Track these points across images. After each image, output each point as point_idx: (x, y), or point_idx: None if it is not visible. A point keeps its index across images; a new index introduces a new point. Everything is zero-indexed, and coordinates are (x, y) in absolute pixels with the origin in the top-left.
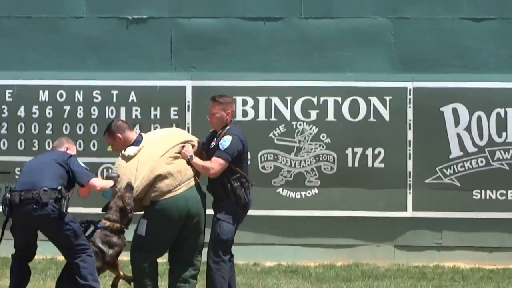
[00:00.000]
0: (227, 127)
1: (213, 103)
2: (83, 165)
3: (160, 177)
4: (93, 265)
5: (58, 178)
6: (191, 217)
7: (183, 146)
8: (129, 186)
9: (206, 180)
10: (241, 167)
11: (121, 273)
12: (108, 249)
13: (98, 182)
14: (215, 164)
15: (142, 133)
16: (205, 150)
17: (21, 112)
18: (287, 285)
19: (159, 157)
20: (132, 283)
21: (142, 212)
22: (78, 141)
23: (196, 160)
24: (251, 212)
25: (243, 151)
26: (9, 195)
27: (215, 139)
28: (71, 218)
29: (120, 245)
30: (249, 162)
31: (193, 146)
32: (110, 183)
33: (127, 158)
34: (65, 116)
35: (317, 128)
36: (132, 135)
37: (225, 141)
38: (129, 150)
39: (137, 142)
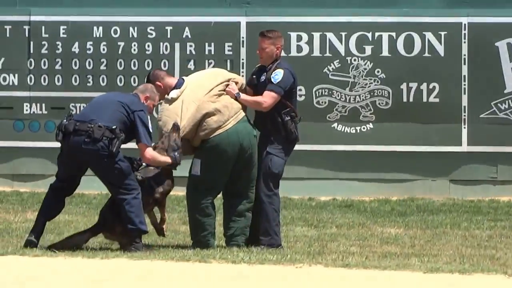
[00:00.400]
0: (277, 62)
1: (263, 38)
2: (149, 125)
3: (207, 115)
4: (139, 208)
5: (116, 121)
6: (244, 150)
7: (227, 85)
8: (176, 126)
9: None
10: (291, 101)
11: (166, 217)
12: (158, 186)
13: (151, 153)
14: (268, 97)
15: (183, 77)
16: (253, 85)
17: (76, 48)
18: (342, 220)
19: (203, 95)
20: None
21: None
22: (132, 77)
23: (244, 96)
24: (306, 147)
25: (294, 86)
26: (66, 122)
27: (264, 73)
28: (121, 157)
29: (169, 184)
30: (303, 97)
31: (236, 83)
32: (166, 159)
33: (171, 101)
34: (120, 52)
35: (372, 63)
36: (172, 80)
37: (277, 75)
38: (172, 93)
39: (179, 85)
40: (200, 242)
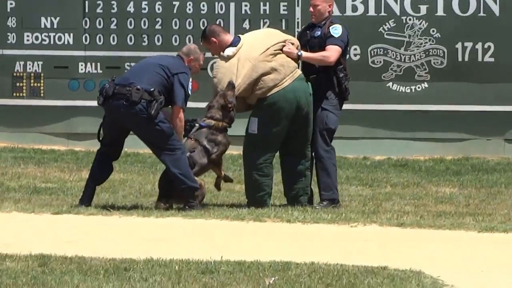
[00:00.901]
0: (329, 19)
1: None
2: (189, 89)
3: (263, 74)
4: (186, 165)
5: (155, 83)
6: (300, 108)
7: (283, 45)
8: (231, 85)
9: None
10: (344, 59)
11: (223, 174)
12: (213, 147)
13: (182, 117)
14: (333, 51)
15: (239, 35)
16: (305, 41)
17: (131, 7)
18: (397, 179)
19: (259, 54)
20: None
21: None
22: (187, 36)
23: (307, 54)
24: (361, 106)
25: (348, 43)
26: (107, 86)
27: (318, 28)
28: (161, 119)
29: (224, 143)
30: (358, 56)
31: (292, 44)
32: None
33: (226, 59)
34: (175, 11)
35: (427, 23)
36: (228, 37)
37: (337, 29)
38: (228, 51)
39: (234, 43)
40: (257, 202)
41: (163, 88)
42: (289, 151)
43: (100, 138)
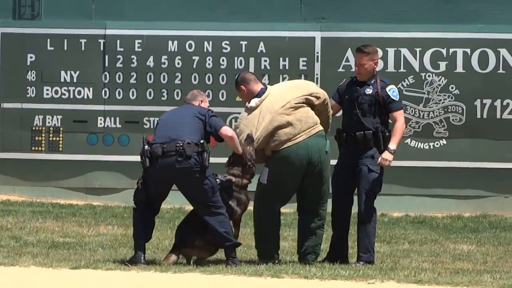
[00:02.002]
0: (377, 77)
1: (361, 54)
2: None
3: (279, 127)
4: (229, 224)
5: (198, 132)
6: (312, 165)
7: (307, 98)
8: (250, 139)
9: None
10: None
11: (238, 233)
12: (237, 205)
13: (231, 131)
14: (401, 116)
15: (269, 85)
16: (352, 97)
17: (150, 62)
18: (415, 236)
19: (280, 107)
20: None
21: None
22: (207, 91)
23: (395, 141)
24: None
25: None
26: (149, 147)
27: (368, 86)
28: (210, 173)
29: (245, 202)
30: None
31: (317, 98)
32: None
33: (250, 110)
34: (194, 66)
35: (446, 80)
36: (257, 87)
37: (395, 91)
38: (252, 102)
39: (261, 93)
40: (264, 254)
41: (203, 134)
42: (303, 207)
43: (135, 200)
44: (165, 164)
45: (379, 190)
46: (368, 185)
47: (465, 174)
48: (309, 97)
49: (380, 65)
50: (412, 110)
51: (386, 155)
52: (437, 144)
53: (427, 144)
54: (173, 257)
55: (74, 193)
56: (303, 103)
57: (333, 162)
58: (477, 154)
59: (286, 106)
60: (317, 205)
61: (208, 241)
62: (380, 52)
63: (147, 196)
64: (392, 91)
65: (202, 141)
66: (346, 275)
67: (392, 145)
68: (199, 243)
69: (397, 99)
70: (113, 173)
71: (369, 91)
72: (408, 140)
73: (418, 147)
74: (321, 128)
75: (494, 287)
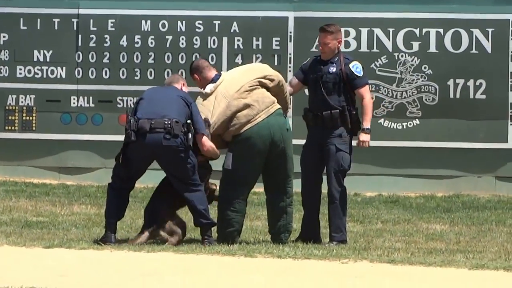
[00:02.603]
0: (341, 55)
1: (325, 34)
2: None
3: (237, 111)
4: (207, 204)
5: (184, 115)
6: (275, 144)
7: (260, 82)
8: (206, 123)
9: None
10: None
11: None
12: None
13: (210, 143)
14: (367, 92)
15: (222, 72)
16: (317, 77)
17: (124, 41)
18: (388, 215)
19: (235, 91)
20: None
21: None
22: (180, 70)
23: (366, 118)
24: (352, 143)
25: None
26: (135, 122)
27: (332, 64)
28: (192, 153)
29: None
30: None
31: (271, 80)
32: (217, 152)
33: (205, 96)
34: (167, 45)
35: (419, 60)
36: (211, 73)
37: (358, 67)
38: (207, 88)
39: (215, 79)
40: (225, 237)
41: (187, 119)
42: (269, 187)
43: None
44: (152, 140)
45: (348, 169)
46: (337, 165)
47: (438, 154)
48: (263, 80)
49: (353, 45)
50: (385, 90)
51: (363, 136)
52: (410, 124)
53: (400, 124)
54: (142, 237)
55: (48, 172)
56: (257, 85)
57: (296, 141)
58: (450, 134)
59: (241, 90)
60: (284, 183)
61: (177, 224)
62: (353, 32)
63: (127, 171)
64: (355, 67)
65: (189, 122)
66: (320, 254)
67: (366, 125)
68: (168, 226)
69: (361, 75)
70: (87, 153)
71: (332, 69)
72: (381, 120)
73: (391, 127)
74: (279, 106)
75: (467, 267)
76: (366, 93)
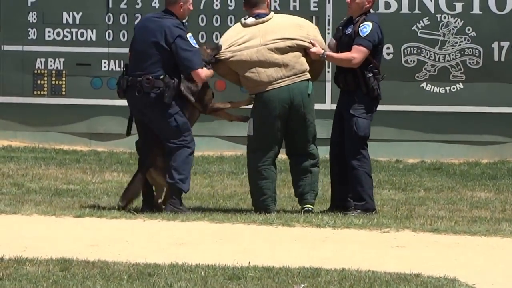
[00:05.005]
0: (366, 15)
1: None
2: (192, 43)
3: (261, 64)
4: (184, 164)
5: (162, 65)
6: (295, 108)
7: (306, 43)
8: (216, 48)
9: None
10: (376, 57)
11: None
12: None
13: (203, 74)
14: (357, 52)
15: (273, 12)
16: (338, 38)
17: (155, 3)
18: (431, 183)
19: (272, 39)
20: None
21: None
22: (214, 34)
23: (331, 54)
24: (394, 107)
25: (380, 41)
26: (120, 78)
27: (351, 25)
28: (177, 111)
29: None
30: (391, 55)
31: (314, 46)
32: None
33: (243, 25)
34: (201, 7)
35: (462, 21)
36: (262, 9)
37: (366, 27)
38: (249, 19)
39: (261, 15)
40: (260, 207)
41: (171, 64)
42: (291, 151)
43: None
44: (130, 98)
45: (364, 135)
46: (351, 132)
47: (482, 119)
48: (305, 42)
49: (393, 7)
50: (427, 53)
51: (315, 48)
52: (453, 88)
53: (443, 88)
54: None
55: (78, 138)
56: (296, 47)
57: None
58: (494, 98)
59: (279, 43)
60: (306, 147)
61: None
62: None
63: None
64: (363, 26)
65: (162, 76)
66: (360, 223)
67: (327, 53)
68: (160, 164)
69: (363, 35)
70: (118, 118)
71: (349, 30)
72: (424, 84)
73: (434, 91)
74: (308, 77)
75: None
76: (355, 52)
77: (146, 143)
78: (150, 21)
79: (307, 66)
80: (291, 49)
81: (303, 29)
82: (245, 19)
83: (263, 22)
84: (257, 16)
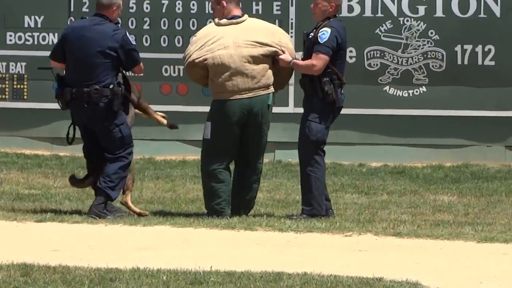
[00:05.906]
0: (329, 20)
1: None
2: (132, 40)
3: (232, 71)
4: (119, 177)
5: (108, 74)
6: (253, 115)
7: (277, 49)
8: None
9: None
10: (335, 63)
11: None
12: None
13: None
14: (316, 60)
15: (247, 15)
16: (303, 42)
17: None
18: (394, 187)
19: (244, 40)
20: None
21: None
22: (176, 37)
23: (296, 61)
24: (357, 111)
25: (341, 47)
26: (59, 90)
27: (313, 30)
28: (124, 121)
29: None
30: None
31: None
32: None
33: (216, 25)
34: (163, 11)
35: (425, 24)
36: (235, 10)
37: (324, 34)
38: (223, 20)
39: (235, 17)
40: (214, 210)
41: (117, 70)
42: (241, 160)
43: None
44: (75, 108)
45: (315, 140)
46: (304, 136)
47: (446, 123)
48: (276, 49)
49: (357, 10)
50: (390, 56)
51: (284, 56)
52: (416, 91)
53: (406, 91)
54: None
55: (40, 143)
56: (268, 56)
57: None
58: (458, 102)
59: (251, 48)
60: (255, 157)
61: None
62: None
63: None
64: (322, 33)
65: (112, 86)
66: (322, 227)
67: (293, 62)
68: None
69: (322, 42)
70: None
71: (311, 34)
72: (387, 88)
73: (397, 94)
74: (271, 91)
75: (476, 240)
76: (316, 59)
77: (92, 148)
78: (87, 29)
79: (272, 80)
80: (263, 58)
81: (275, 36)
82: (218, 19)
83: (237, 23)
84: (232, 18)
